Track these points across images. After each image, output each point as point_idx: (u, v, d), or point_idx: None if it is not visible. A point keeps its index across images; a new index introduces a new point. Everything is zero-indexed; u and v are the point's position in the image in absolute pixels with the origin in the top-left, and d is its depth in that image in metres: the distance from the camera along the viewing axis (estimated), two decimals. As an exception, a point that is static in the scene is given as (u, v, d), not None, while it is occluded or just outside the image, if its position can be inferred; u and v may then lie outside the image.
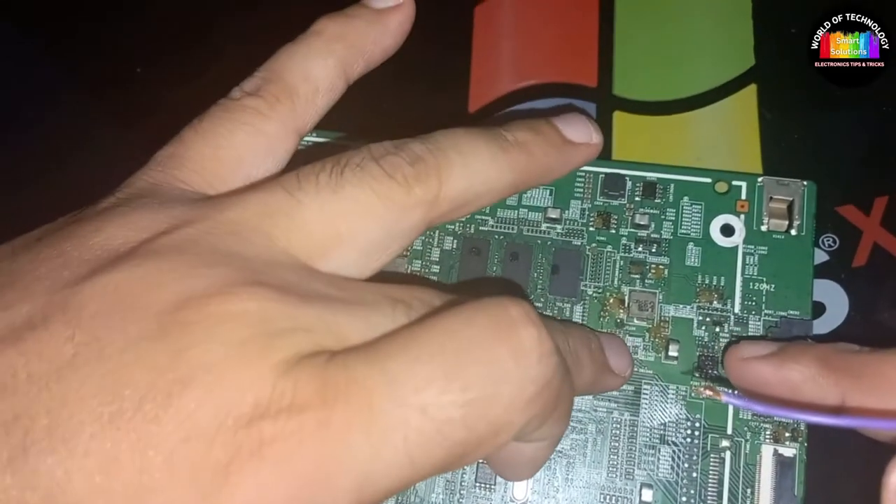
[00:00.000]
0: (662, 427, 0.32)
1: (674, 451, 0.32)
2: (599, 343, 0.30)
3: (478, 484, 0.33)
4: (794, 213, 0.34)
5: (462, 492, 0.32)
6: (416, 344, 0.19)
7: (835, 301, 0.39)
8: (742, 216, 0.34)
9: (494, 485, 0.32)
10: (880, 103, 0.43)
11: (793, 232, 0.34)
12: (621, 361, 0.31)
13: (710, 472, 0.32)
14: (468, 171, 0.25)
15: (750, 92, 0.44)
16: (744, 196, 0.35)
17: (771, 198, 0.34)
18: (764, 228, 0.34)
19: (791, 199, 0.34)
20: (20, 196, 0.41)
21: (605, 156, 0.42)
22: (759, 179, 0.35)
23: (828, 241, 0.40)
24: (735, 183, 0.35)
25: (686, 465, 0.32)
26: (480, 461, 0.32)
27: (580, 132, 0.29)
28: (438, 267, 0.35)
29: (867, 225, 0.41)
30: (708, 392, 0.27)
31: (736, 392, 0.29)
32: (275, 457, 0.17)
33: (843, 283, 0.40)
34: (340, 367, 0.19)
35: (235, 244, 0.21)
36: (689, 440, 0.32)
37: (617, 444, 0.33)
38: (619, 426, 0.33)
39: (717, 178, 0.35)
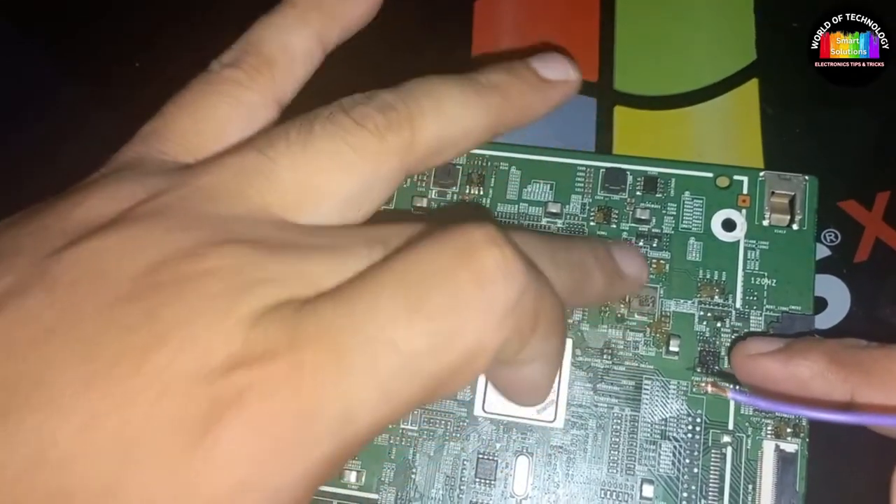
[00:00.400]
0: (663, 422, 0.32)
1: (675, 447, 0.32)
2: (607, 249, 0.30)
3: (478, 479, 0.32)
4: (795, 208, 0.34)
5: (462, 487, 0.32)
6: (379, 281, 0.20)
7: (837, 296, 0.39)
8: (744, 211, 0.34)
9: (494, 480, 0.32)
10: (882, 99, 0.43)
11: (794, 227, 0.34)
12: (633, 265, 0.31)
13: (712, 467, 0.32)
14: (442, 116, 0.25)
15: (751, 86, 0.44)
16: (745, 191, 0.34)
17: (773, 192, 0.34)
18: (765, 223, 0.34)
19: (793, 193, 0.34)
20: (19, 191, 0.41)
21: (606, 150, 0.42)
22: (761, 174, 0.34)
23: (830, 236, 0.40)
24: (736, 178, 0.35)
25: (687, 461, 0.32)
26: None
27: (557, 70, 0.29)
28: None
29: (869, 220, 0.40)
30: (713, 389, 0.27)
31: (740, 388, 0.29)
32: (251, 403, 0.18)
33: (844, 279, 0.40)
34: (310, 313, 0.19)
35: (211, 206, 0.22)
36: (690, 436, 0.32)
37: (618, 440, 0.32)
38: (619, 421, 0.33)
39: (719, 172, 0.35)
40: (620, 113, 0.44)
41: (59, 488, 0.17)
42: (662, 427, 0.32)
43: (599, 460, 0.32)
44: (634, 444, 0.32)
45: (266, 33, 0.27)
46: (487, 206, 0.35)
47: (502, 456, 0.33)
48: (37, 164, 0.44)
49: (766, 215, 0.34)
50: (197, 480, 0.18)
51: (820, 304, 0.38)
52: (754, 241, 0.34)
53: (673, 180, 0.35)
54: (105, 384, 0.18)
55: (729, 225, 0.34)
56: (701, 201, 0.35)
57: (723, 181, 0.35)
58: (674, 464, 0.32)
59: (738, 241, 0.34)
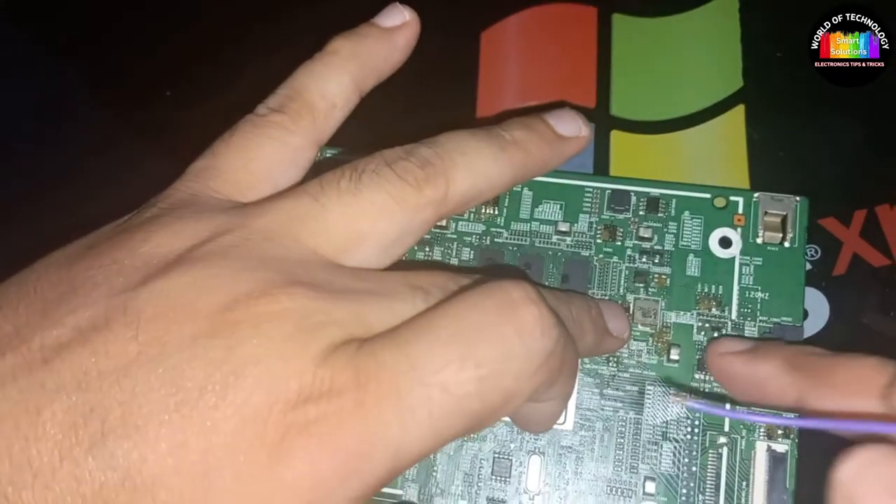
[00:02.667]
0: (664, 425, 0.33)
1: (675, 447, 0.33)
2: (599, 309, 0.32)
3: (494, 476, 0.33)
4: (787, 227, 0.34)
5: (479, 483, 0.33)
6: (433, 329, 0.21)
7: (817, 307, 0.40)
8: (739, 229, 0.35)
9: (509, 477, 0.33)
10: (859, 124, 0.43)
11: (786, 244, 0.34)
12: (619, 324, 0.33)
13: (709, 466, 0.33)
14: (472, 171, 0.26)
15: (738, 112, 0.45)
16: (741, 210, 0.35)
17: (766, 212, 0.35)
18: (759, 241, 0.35)
19: (785, 213, 0.35)
20: (55, 209, 0.41)
21: (603, 172, 0.43)
22: (755, 195, 0.35)
23: (810, 251, 0.41)
24: (733, 198, 0.35)
25: (686, 460, 0.33)
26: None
27: (570, 127, 0.30)
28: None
29: (847, 236, 0.41)
30: (674, 397, 0.31)
31: (701, 400, 0.30)
32: (320, 433, 0.19)
33: (824, 291, 0.40)
34: (370, 354, 0.20)
35: (270, 248, 0.22)
36: (689, 437, 0.33)
37: (622, 441, 0.33)
38: (624, 424, 0.34)
39: (716, 193, 0.36)
40: (616, 137, 0.45)
41: None
42: (664, 429, 0.33)
43: (606, 459, 0.33)
44: (638, 444, 0.33)
45: (308, 80, 0.28)
46: (502, 224, 0.36)
47: (516, 455, 0.34)
48: (65, 181, 0.45)
49: (760, 233, 0.35)
50: (271, 500, 0.19)
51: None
52: (749, 258, 0.35)
53: (674, 201, 0.36)
54: (190, 413, 0.19)
55: (725, 242, 0.35)
56: (699, 220, 0.35)
57: (720, 202, 0.35)
58: (674, 463, 0.33)
59: (734, 258, 0.35)
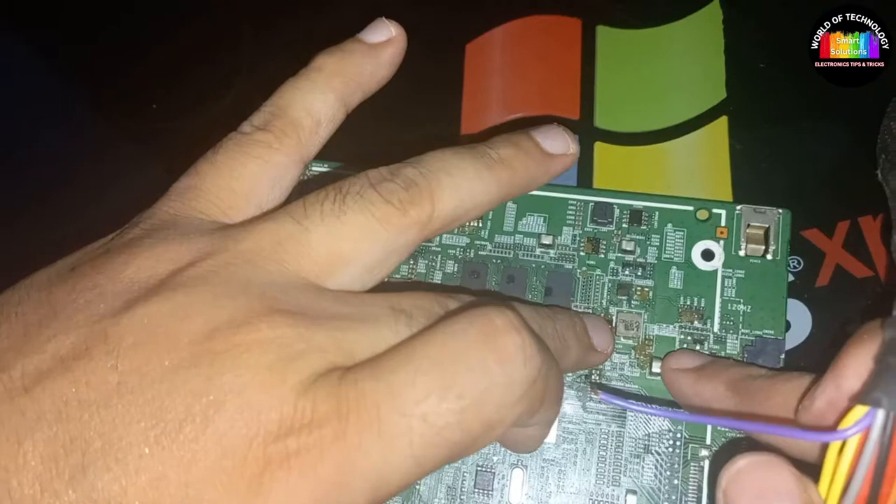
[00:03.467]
0: (647, 438, 0.33)
1: (657, 460, 0.33)
2: (584, 325, 0.31)
3: (477, 490, 0.33)
4: (769, 240, 0.34)
5: (462, 497, 0.33)
6: (414, 358, 0.21)
7: (799, 318, 0.40)
8: (721, 242, 0.35)
9: (492, 491, 0.33)
10: (843, 135, 0.43)
11: (769, 257, 0.34)
12: (603, 339, 0.32)
13: (690, 479, 0.32)
14: (457, 191, 0.26)
15: (721, 123, 0.45)
16: (723, 223, 0.35)
17: (748, 225, 0.35)
18: (742, 253, 0.35)
19: (767, 226, 0.35)
20: (44, 220, 0.41)
21: (586, 184, 0.43)
22: (738, 208, 0.35)
23: (793, 262, 0.41)
24: (715, 211, 0.35)
25: (668, 473, 0.33)
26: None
27: (558, 144, 0.30)
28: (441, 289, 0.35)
29: (830, 248, 0.41)
30: (591, 391, 0.32)
31: (614, 395, 0.30)
32: (300, 466, 0.19)
33: (806, 302, 0.40)
34: (351, 384, 0.20)
35: (252, 272, 0.22)
36: (671, 450, 0.33)
37: (605, 454, 0.33)
38: (606, 437, 0.33)
39: (699, 206, 0.36)
40: (600, 148, 0.45)
41: None
42: (646, 442, 0.33)
43: (588, 472, 0.33)
44: (620, 457, 0.33)
45: (293, 97, 0.28)
46: (486, 237, 0.36)
47: (499, 468, 0.33)
48: (58, 183, 0.45)
49: (743, 246, 0.35)
50: None
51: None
52: (731, 270, 0.35)
53: (656, 213, 0.36)
54: (171, 445, 0.19)
55: (708, 255, 0.35)
56: (682, 233, 0.35)
57: (702, 214, 0.35)
58: (656, 476, 0.33)
59: (717, 270, 0.35)
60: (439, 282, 0.36)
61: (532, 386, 0.22)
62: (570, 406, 0.34)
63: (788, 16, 0.45)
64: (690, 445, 0.33)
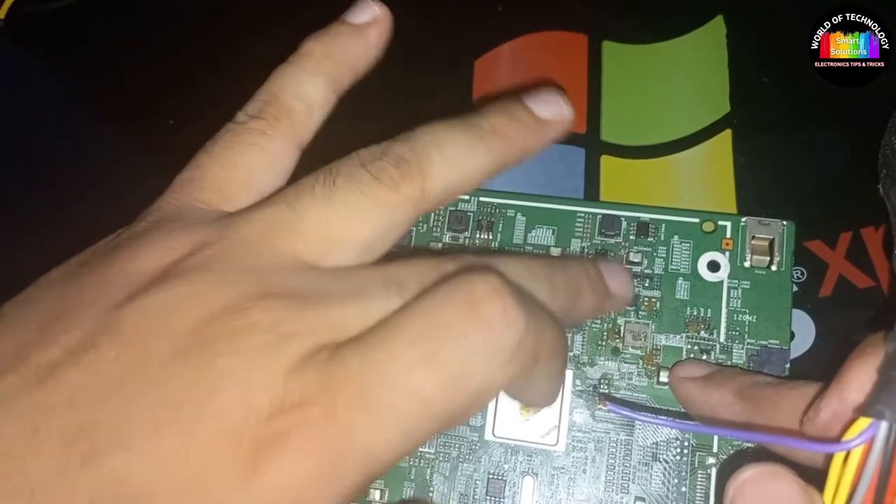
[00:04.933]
0: (655, 446, 0.33)
1: (665, 468, 0.33)
2: (598, 270, 0.31)
3: (488, 497, 0.33)
4: (774, 251, 0.35)
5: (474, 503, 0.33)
6: (398, 332, 0.21)
7: (803, 328, 0.40)
8: (727, 253, 0.35)
9: (503, 498, 0.33)
10: (845, 147, 0.43)
11: (773, 268, 0.35)
12: (620, 284, 0.32)
13: (698, 487, 0.33)
14: (449, 164, 0.25)
15: (725, 137, 0.44)
16: (729, 235, 0.35)
17: (753, 236, 0.35)
18: (747, 264, 0.35)
19: (772, 237, 0.35)
20: (61, 228, 0.41)
21: (594, 196, 0.43)
22: (743, 220, 0.35)
23: (797, 273, 0.41)
24: (721, 223, 0.36)
25: (675, 481, 0.33)
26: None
27: (551, 108, 0.29)
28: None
29: (833, 258, 0.41)
30: (599, 401, 0.33)
31: (621, 406, 0.30)
32: (293, 444, 0.19)
33: (810, 312, 0.40)
34: (338, 362, 0.20)
35: (248, 258, 0.23)
36: (678, 458, 0.33)
37: (614, 462, 0.33)
38: (615, 445, 0.34)
39: (705, 218, 0.36)
40: (607, 161, 0.45)
41: None
42: (654, 450, 0.33)
43: (597, 480, 0.33)
44: (629, 465, 0.33)
45: (284, 84, 0.28)
46: (496, 249, 0.36)
47: (510, 476, 0.34)
48: (73, 199, 0.45)
49: (748, 257, 0.35)
50: None
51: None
52: (737, 281, 0.35)
53: (663, 225, 0.36)
54: (172, 429, 0.19)
55: (714, 266, 0.35)
56: (688, 245, 0.36)
57: (708, 226, 0.36)
58: (664, 483, 0.33)
59: (722, 281, 0.35)
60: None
61: (518, 349, 0.21)
62: (579, 415, 0.34)
63: (790, 31, 0.45)
64: (698, 453, 0.33)
